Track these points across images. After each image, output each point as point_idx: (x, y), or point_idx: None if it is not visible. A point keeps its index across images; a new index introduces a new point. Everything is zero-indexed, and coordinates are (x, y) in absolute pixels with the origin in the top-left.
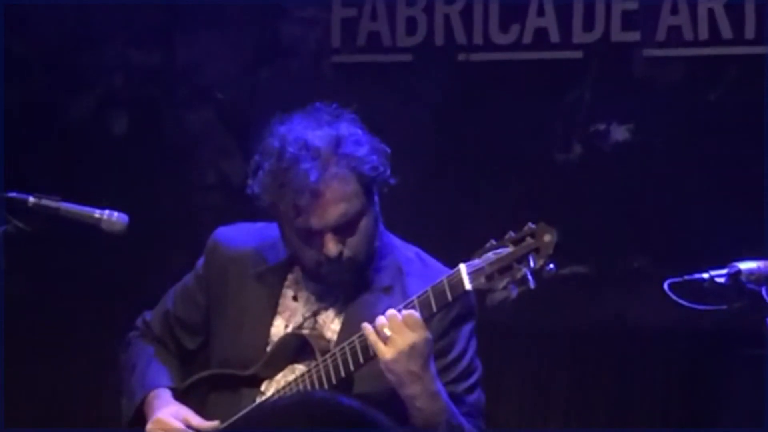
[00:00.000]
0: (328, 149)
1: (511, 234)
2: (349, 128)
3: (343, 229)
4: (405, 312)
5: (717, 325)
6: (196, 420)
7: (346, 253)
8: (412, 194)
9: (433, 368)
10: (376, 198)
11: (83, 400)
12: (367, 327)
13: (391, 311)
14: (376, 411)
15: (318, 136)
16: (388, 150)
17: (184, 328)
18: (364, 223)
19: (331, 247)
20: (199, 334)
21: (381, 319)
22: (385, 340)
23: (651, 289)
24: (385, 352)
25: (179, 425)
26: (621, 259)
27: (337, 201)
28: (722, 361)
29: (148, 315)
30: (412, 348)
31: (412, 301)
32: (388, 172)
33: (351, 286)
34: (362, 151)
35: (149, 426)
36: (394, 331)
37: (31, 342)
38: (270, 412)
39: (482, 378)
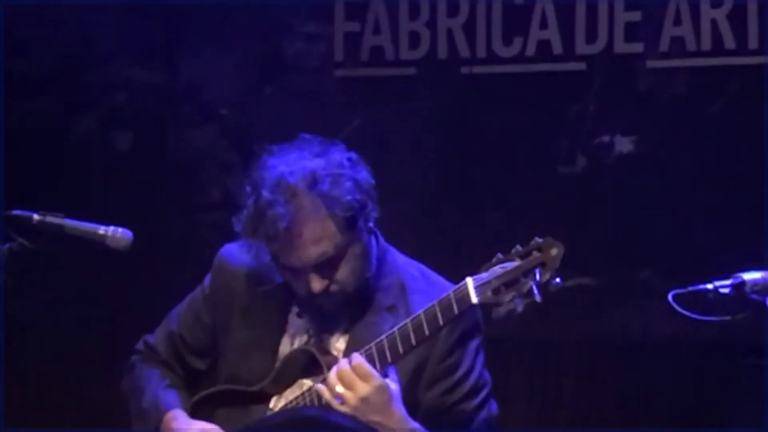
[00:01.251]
0: (303, 189)
1: (518, 248)
2: (329, 164)
3: (326, 266)
4: (354, 362)
5: (721, 336)
6: None
7: (333, 287)
8: (417, 208)
9: (400, 410)
10: (366, 226)
11: (87, 417)
12: (320, 387)
13: (341, 364)
14: (367, 428)
15: (295, 175)
16: (372, 181)
17: (189, 348)
18: (350, 257)
19: (316, 284)
20: (205, 354)
21: (331, 376)
22: (338, 397)
23: (655, 300)
24: (342, 409)
25: None
26: (625, 270)
27: (314, 241)
28: (727, 372)
29: (150, 338)
30: (364, 401)
31: (414, 319)
32: (370, 206)
33: (354, 307)
34: (339, 189)
35: None
36: (345, 386)
37: (35, 360)
38: (261, 429)
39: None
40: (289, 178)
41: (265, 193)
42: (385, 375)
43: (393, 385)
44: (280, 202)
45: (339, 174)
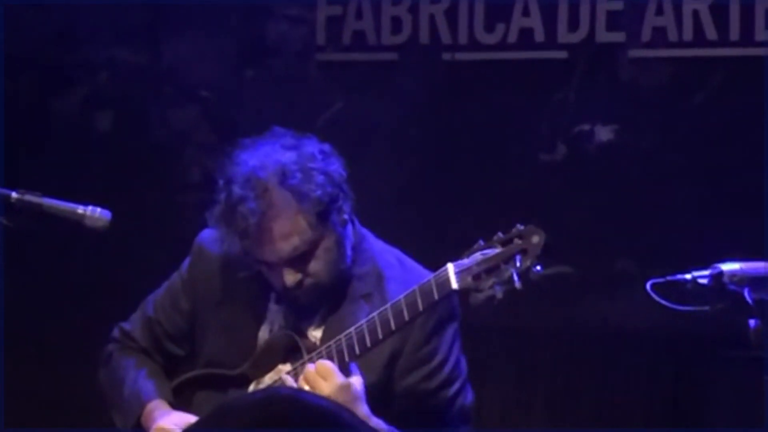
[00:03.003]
0: (274, 183)
1: (500, 235)
2: (300, 158)
3: (299, 260)
4: (317, 363)
5: (699, 326)
6: None
7: (308, 280)
8: (398, 194)
9: (363, 408)
10: (340, 218)
11: (67, 399)
12: (285, 378)
13: (308, 367)
14: (342, 409)
15: (266, 170)
16: (345, 173)
17: (167, 334)
18: (323, 250)
19: (289, 278)
20: (183, 340)
21: (300, 378)
22: None
23: (634, 289)
24: None
25: None
26: (604, 259)
27: (283, 237)
28: (705, 363)
29: (126, 325)
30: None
31: (394, 304)
32: (342, 199)
33: (331, 296)
34: (309, 184)
35: None
36: (310, 386)
37: (11, 339)
38: (234, 409)
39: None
40: (260, 173)
41: (236, 189)
42: (348, 373)
43: (357, 383)
44: (250, 197)
45: (310, 168)
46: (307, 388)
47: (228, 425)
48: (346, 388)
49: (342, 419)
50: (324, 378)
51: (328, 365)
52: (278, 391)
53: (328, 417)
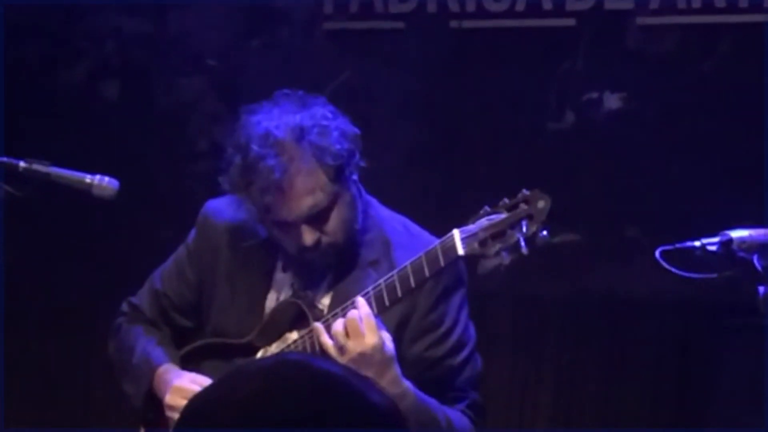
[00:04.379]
0: (292, 141)
1: (505, 200)
2: (314, 116)
3: (317, 218)
4: (364, 315)
5: (708, 293)
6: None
7: (325, 239)
8: (405, 162)
9: (396, 369)
10: (352, 178)
11: (70, 365)
12: (318, 327)
13: (351, 314)
14: (353, 374)
15: (282, 128)
16: (358, 131)
17: (175, 306)
18: (339, 208)
19: (308, 237)
20: (191, 311)
21: (338, 325)
22: (339, 347)
23: (642, 257)
24: (337, 358)
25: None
26: (613, 227)
27: (305, 193)
28: (713, 330)
29: (134, 299)
30: (363, 355)
31: (400, 271)
32: (357, 155)
33: (338, 262)
34: (327, 139)
35: (168, 397)
36: (351, 337)
37: (19, 308)
38: (244, 374)
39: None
40: (276, 132)
41: (255, 147)
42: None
43: (389, 341)
44: (270, 154)
45: (325, 125)
46: (344, 340)
47: (238, 390)
48: (386, 346)
49: (351, 385)
50: (369, 331)
51: (374, 319)
52: (288, 357)
53: (337, 382)
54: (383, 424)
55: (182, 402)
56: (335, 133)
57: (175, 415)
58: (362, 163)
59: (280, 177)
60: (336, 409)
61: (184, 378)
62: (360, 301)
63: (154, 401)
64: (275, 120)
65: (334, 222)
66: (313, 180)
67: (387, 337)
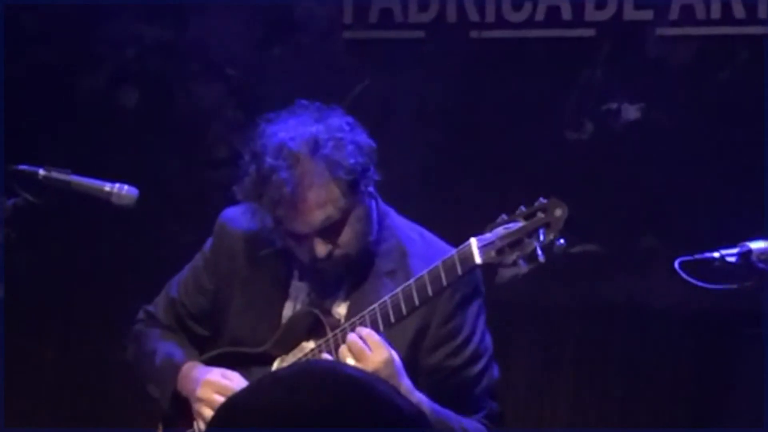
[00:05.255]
0: (306, 154)
1: (522, 209)
2: (330, 129)
3: (330, 231)
4: (365, 333)
5: (727, 304)
6: (242, 380)
7: (337, 252)
8: (423, 171)
9: (407, 381)
10: (367, 190)
11: (89, 372)
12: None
13: (350, 337)
14: (379, 381)
15: (297, 140)
16: (374, 144)
17: (191, 315)
18: (352, 221)
19: (320, 249)
20: (207, 320)
21: (342, 348)
22: None
23: (661, 268)
24: None
25: (232, 385)
26: (631, 238)
27: (318, 206)
28: (732, 341)
29: (149, 307)
30: (375, 372)
31: (417, 279)
32: (372, 169)
33: (355, 272)
34: (342, 153)
35: (200, 390)
36: (356, 357)
37: (39, 315)
38: (271, 380)
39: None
40: (291, 144)
41: (268, 160)
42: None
43: (397, 358)
44: (283, 167)
45: (340, 138)
46: (351, 361)
47: (266, 396)
48: (391, 361)
49: (378, 391)
50: (372, 349)
51: (375, 336)
52: (316, 363)
53: (365, 388)
54: (411, 429)
55: (213, 395)
56: (350, 147)
57: (205, 409)
58: (377, 177)
59: (292, 191)
60: (364, 415)
61: (214, 372)
62: (359, 329)
63: (178, 399)
64: (291, 131)
65: (347, 235)
66: (326, 194)
67: (393, 351)
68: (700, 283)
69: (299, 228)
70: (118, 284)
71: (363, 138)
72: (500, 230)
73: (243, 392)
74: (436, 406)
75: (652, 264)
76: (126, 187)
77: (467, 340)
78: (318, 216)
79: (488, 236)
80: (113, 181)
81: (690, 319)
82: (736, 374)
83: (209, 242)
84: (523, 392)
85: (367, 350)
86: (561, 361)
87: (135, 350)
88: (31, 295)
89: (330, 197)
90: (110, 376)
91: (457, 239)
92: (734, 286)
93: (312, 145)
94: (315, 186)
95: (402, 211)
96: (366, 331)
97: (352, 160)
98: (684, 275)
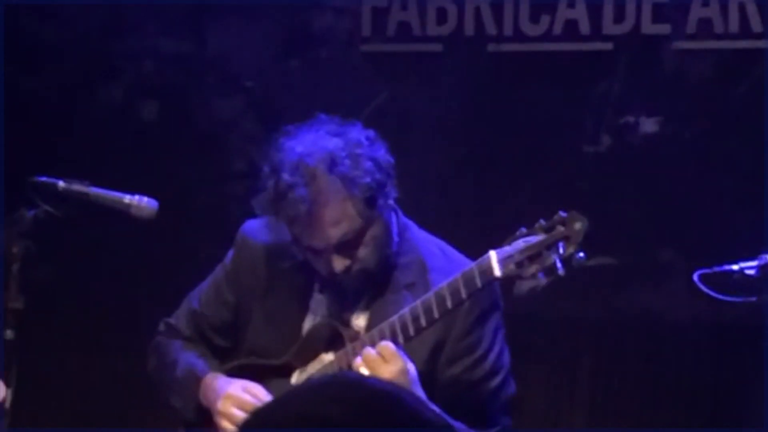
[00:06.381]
0: (323, 171)
1: (542, 222)
2: (348, 145)
3: (347, 246)
4: (381, 345)
5: (745, 317)
6: (264, 393)
7: (355, 266)
8: (441, 184)
9: (422, 394)
10: (386, 203)
11: (110, 383)
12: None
13: (367, 350)
14: (404, 391)
15: (314, 157)
16: (391, 159)
17: (212, 327)
18: (370, 236)
19: (337, 264)
20: (228, 332)
21: (357, 360)
22: None
23: (678, 281)
24: None
25: (252, 399)
26: (649, 251)
27: (334, 223)
28: (750, 354)
29: (170, 320)
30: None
31: (437, 291)
32: (390, 184)
33: (375, 285)
34: (359, 170)
35: (220, 404)
36: (371, 369)
37: (59, 327)
38: (299, 392)
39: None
40: (308, 161)
41: (285, 176)
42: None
43: (412, 368)
44: (300, 184)
45: (358, 154)
46: (364, 370)
47: (295, 409)
48: (405, 372)
49: (404, 402)
50: (386, 360)
51: (391, 347)
52: (344, 375)
53: (393, 401)
54: None
55: (233, 410)
56: (368, 163)
57: (225, 423)
58: (395, 191)
59: (309, 208)
60: (392, 427)
61: (236, 385)
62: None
63: (200, 410)
64: (309, 147)
65: (364, 250)
66: (342, 211)
67: (408, 362)
68: (719, 296)
69: (316, 243)
70: (138, 296)
71: (382, 153)
72: (520, 243)
73: (271, 405)
74: (449, 420)
75: (671, 277)
76: (145, 199)
77: (484, 356)
78: (334, 232)
79: (508, 249)
80: (133, 193)
81: (708, 332)
82: (757, 388)
83: (230, 254)
84: (540, 405)
85: (382, 361)
86: (578, 374)
87: (156, 362)
88: (51, 307)
89: (346, 214)
90: (132, 388)
91: (474, 251)
92: (754, 299)
93: (329, 161)
94: (331, 203)
95: (421, 224)
96: (382, 343)
97: (369, 178)
98: (703, 288)
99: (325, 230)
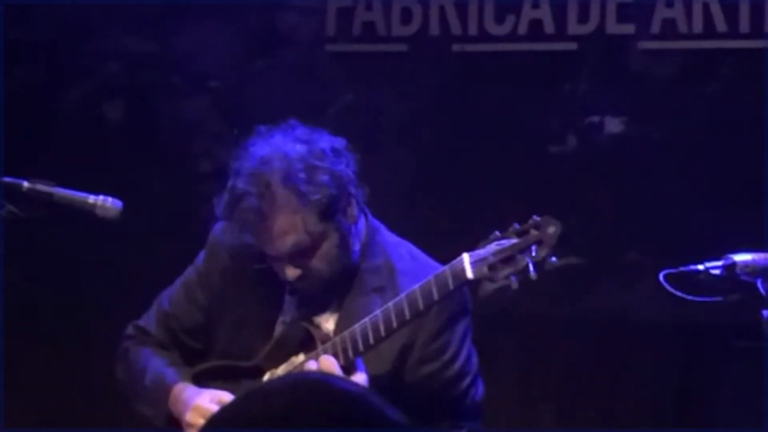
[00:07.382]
0: (277, 181)
1: (516, 226)
2: (310, 153)
3: (300, 256)
4: (321, 359)
5: (711, 317)
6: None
7: (309, 276)
8: (407, 185)
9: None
10: (350, 215)
11: (76, 388)
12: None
13: (309, 365)
14: (371, 393)
15: (270, 165)
16: (352, 172)
17: (184, 328)
18: (326, 246)
19: (290, 273)
20: (200, 333)
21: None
22: None
23: (645, 281)
24: None
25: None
26: (615, 251)
27: (286, 233)
28: (717, 353)
29: (140, 322)
30: None
31: (409, 293)
32: (345, 199)
33: (342, 288)
34: (313, 184)
35: (189, 415)
36: None
37: (25, 328)
38: (262, 393)
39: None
40: (264, 169)
41: (240, 183)
42: (353, 369)
43: (361, 380)
44: (252, 194)
45: (316, 166)
46: None
47: (257, 409)
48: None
49: (370, 403)
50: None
51: (331, 362)
52: (307, 376)
53: (356, 400)
54: None
55: (201, 421)
56: (324, 178)
57: None
58: (356, 204)
59: (259, 217)
60: (356, 426)
61: (204, 396)
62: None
63: (170, 420)
64: (270, 152)
65: (317, 261)
66: (292, 223)
67: (357, 375)
68: (685, 296)
69: (269, 251)
70: (104, 297)
71: (343, 166)
72: (493, 246)
73: (229, 407)
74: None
75: (637, 277)
76: (110, 199)
77: (453, 359)
78: (286, 242)
79: (481, 252)
80: (98, 193)
81: (675, 332)
82: (723, 387)
83: (201, 256)
84: (509, 404)
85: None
86: (546, 374)
87: (124, 368)
88: (17, 308)
89: (294, 228)
90: (96, 390)
91: (439, 250)
92: (719, 299)
93: (284, 173)
94: (284, 214)
95: (389, 226)
96: (322, 359)
97: (318, 195)
98: (669, 287)
99: (276, 239)
